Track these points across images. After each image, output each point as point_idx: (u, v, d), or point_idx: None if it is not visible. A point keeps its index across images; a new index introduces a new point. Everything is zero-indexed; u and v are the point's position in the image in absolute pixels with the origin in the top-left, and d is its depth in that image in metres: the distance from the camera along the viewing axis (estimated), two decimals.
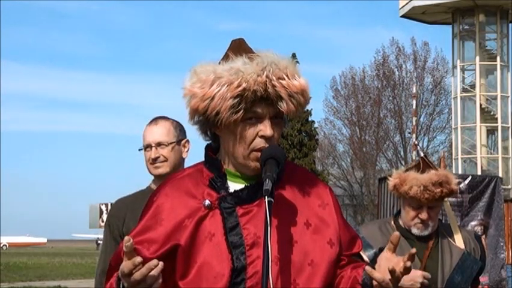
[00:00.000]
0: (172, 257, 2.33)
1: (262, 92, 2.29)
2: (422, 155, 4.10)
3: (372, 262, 3.81)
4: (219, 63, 2.38)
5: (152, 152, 3.85)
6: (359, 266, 2.41)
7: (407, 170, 3.98)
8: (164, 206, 2.39)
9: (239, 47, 2.40)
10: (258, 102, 2.31)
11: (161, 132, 3.87)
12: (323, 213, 2.43)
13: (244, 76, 2.29)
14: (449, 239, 4.02)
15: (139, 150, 3.93)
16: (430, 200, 3.87)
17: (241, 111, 2.29)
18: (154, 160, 3.84)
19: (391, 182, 3.98)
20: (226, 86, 2.29)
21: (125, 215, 3.79)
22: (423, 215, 3.89)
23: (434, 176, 3.88)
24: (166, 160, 3.84)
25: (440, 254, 3.94)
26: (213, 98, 2.30)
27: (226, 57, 2.39)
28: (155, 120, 3.94)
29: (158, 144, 3.85)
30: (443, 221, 4.27)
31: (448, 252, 3.96)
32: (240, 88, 2.28)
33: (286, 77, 2.31)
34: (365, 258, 3.83)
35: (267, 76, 2.29)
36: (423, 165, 3.97)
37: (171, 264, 2.32)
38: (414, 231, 3.93)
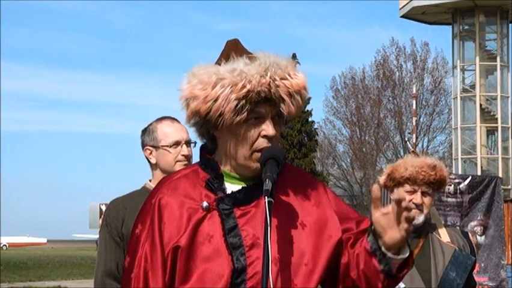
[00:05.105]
0: (171, 259, 2.32)
1: (266, 93, 2.29)
2: (411, 150, 4.17)
3: None
4: (215, 63, 2.37)
5: (185, 149, 3.77)
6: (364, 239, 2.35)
7: None
8: (163, 207, 2.37)
9: (235, 48, 2.39)
10: (261, 102, 2.30)
11: (186, 131, 3.81)
12: (318, 212, 2.41)
13: (247, 77, 2.28)
14: (439, 238, 4.02)
15: (162, 147, 3.79)
16: (425, 181, 3.89)
17: (245, 113, 2.28)
18: (187, 158, 3.77)
19: (383, 176, 4.01)
20: (229, 87, 2.28)
21: (124, 216, 3.73)
22: (417, 199, 3.89)
23: (428, 159, 3.98)
24: (191, 159, 3.79)
25: (432, 252, 3.95)
26: (216, 100, 2.28)
27: (225, 58, 2.37)
28: (170, 119, 3.86)
29: (187, 143, 3.80)
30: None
31: (439, 250, 3.97)
32: (245, 90, 2.27)
33: (288, 77, 2.31)
34: None
35: (270, 77, 2.29)
36: (416, 156, 4.08)
37: (171, 266, 2.32)
38: None
